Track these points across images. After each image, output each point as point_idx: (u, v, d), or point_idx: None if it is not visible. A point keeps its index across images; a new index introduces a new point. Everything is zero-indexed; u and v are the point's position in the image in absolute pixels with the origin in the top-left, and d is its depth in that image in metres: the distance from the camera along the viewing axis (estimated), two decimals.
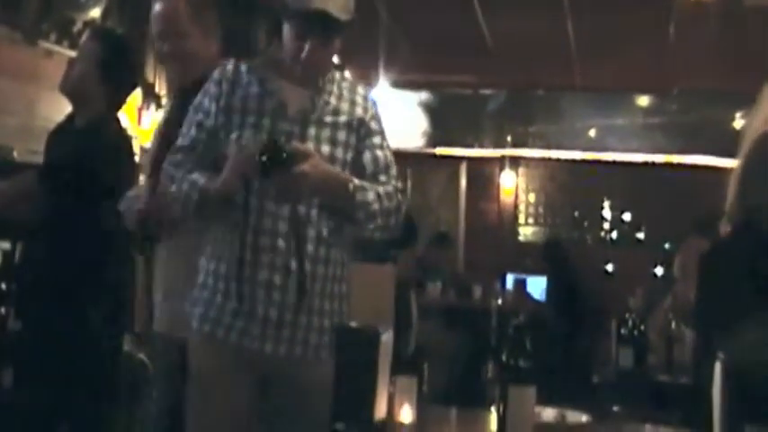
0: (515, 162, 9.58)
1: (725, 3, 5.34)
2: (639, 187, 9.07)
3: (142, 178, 5.22)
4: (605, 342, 4.45)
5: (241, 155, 2.23)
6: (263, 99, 2.34)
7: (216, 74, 2.38)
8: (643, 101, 8.97)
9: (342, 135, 2.38)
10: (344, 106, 2.41)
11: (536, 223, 9.76)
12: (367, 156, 2.39)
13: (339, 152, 2.36)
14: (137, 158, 4.81)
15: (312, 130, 2.34)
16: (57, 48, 4.53)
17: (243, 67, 2.40)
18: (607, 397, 4.27)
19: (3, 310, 3.31)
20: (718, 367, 1.87)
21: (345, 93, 2.44)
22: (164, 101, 5.67)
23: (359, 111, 2.42)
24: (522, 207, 9.76)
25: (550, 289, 8.02)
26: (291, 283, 2.28)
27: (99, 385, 3.02)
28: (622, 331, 4.26)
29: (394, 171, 2.41)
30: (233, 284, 2.30)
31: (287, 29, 2.33)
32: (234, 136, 2.31)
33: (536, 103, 9.20)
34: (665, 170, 8.89)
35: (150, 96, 5.48)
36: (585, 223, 9.59)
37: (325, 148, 2.34)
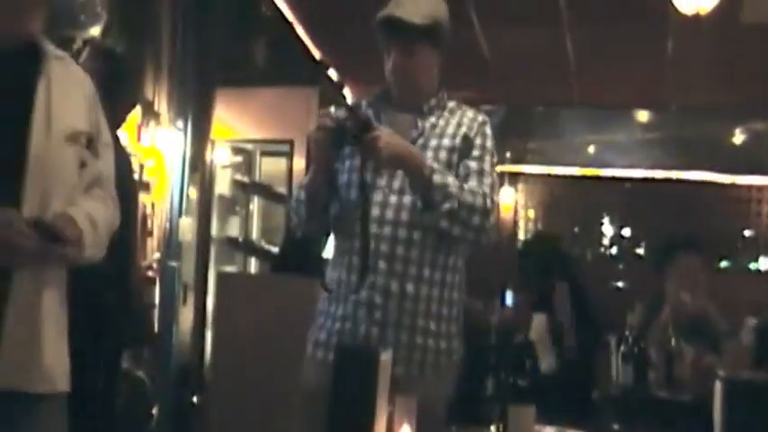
0: (514, 178, 9.58)
1: (722, 19, 5.35)
2: (639, 203, 9.08)
3: (141, 196, 5.24)
4: (605, 358, 4.43)
5: (316, 135, 2.31)
6: None
7: (332, 113, 2.46)
8: (642, 116, 8.99)
9: (443, 155, 2.42)
10: (450, 129, 2.46)
11: None
12: (462, 165, 2.42)
13: None
14: (136, 176, 4.83)
15: None
16: None
17: (363, 103, 2.55)
18: (607, 415, 4.25)
19: None
20: (718, 386, 1.86)
21: (454, 116, 2.49)
22: (163, 118, 5.68)
23: (464, 129, 2.46)
24: (521, 223, 9.77)
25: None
26: (392, 304, 2.30)
27: (97, 403, 3.00)
28: (622, 348, 4.25)
29: (488, 180, 2.41)
30: (340, 307, 2.37)
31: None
32: (347, 163, 2.41)
33: (535, 118, 9.22)
34: (664, 186, 8.89)
35: (150, 114, 5.48)
36: (585, 239, 9.60)
37: None
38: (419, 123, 2.46)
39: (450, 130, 2.46)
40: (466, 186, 2.34)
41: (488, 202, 2.36)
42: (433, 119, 2.47)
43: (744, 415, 1.83)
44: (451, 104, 2.53)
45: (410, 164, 2.29)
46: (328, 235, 2.52)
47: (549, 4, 5.98)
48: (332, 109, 2.48)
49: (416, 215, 2.35)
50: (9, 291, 1.80)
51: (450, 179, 2.32)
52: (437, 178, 2.29)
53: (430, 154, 2.41)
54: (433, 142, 2.43)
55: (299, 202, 2.44)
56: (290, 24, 6.85)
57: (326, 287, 2.43)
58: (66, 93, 1.93)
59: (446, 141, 2.43)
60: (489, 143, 2.47)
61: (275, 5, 6.64)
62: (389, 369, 2.08)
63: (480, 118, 2.50)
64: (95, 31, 4.80)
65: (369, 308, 2.35)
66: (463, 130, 2.45)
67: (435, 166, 2.34)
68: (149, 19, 5.72)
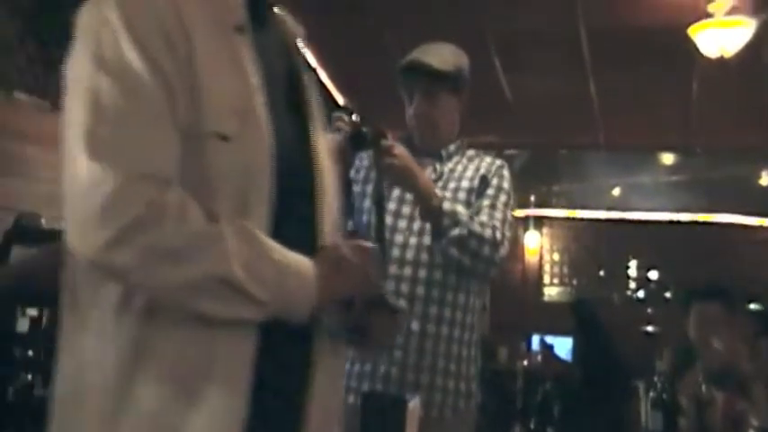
0: (539, 222, 9.57)
1: (747, 61, 5.35)
2: (665, 246, 9.02)
3: None
4: (634, 405, 4.37)
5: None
6: None
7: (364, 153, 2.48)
8: (667, 159, 8.96)
9: (462, 195, 2.45)
10: (469, 173, 2.50)
11: (561, 283, 9.71)
12: (476, 202, 2.44)
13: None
14: None
15: None
16: None
17: None
18: None
19: (30, 376, 3.30)
20: None
21: (473, 163, 2.52)
22: None
23: (482, 172, 2.49)
24: (546, 267, 9.73)
25: (579, 349, 7.91)
26: (413, 343, 2.32)
27: None
28: (651, 394, 4.19)
29: (499, 215, 2.41)
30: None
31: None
32: (366, 203, 2.44)
33: (560, 162, 9.22)
34: (690, 228, 8.84)
35: None
36: (611, 282, 9.53)
37: None
38: (438, 167, 2.47)
39: (470, 173, 2.48)
40: (476, 218, 2.35)
41: (498, 234, 2.36)
42: (451, 164, 2.50)
43: None
44: (471, 152, 2.56)
45: (421, 183, 2.31)
46: None
47: (573, 49, 6.00)
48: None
49: (437, 256, 2.35)
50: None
51: (460, 208, 2.34)
52: (447, 205, 2.31)
53: (449, 195, 2.42)
54: (452, 185, 2.45)
55: None
56: (314, 70, 6.90)
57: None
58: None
59: (465, 183, 2.46)
60: (506, 184, 2.48)
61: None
62: (417, 416, 2.06)
63: (498, 162, 2.53)
64: None
65: (389, 349, 2.34)
66: (481, 172, 2.48)
67: (446, 195, 2.36)
68: None
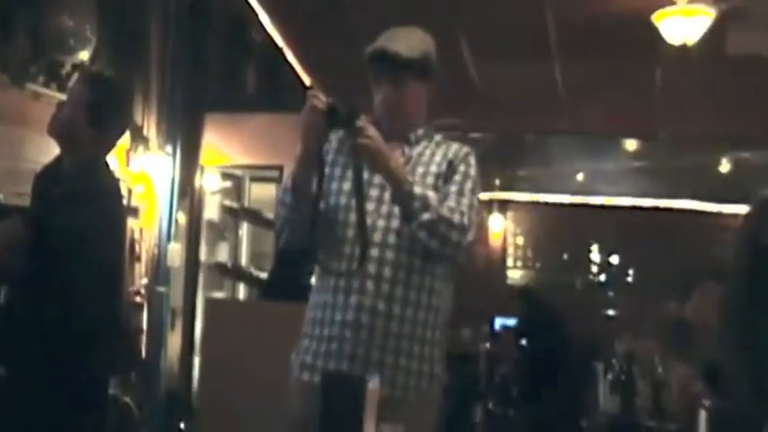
0: (504, 206, 9.62)
1: (709, 50, 5.41)
2: (627, 231, 9.12)
3: (130, 221, 5.24)
4: (593, 387, 4.44)
5: (306, 116, 2.30)
6: None
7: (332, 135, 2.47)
8: (630, 145, 9.04)
9: (430, 180, 2.45)
10: (437, 158, 2.50)
11: (524, 266, 9.79)
12: (443, 188, 2.44)
13: None
14: (124, 201, 4.82)
15: None
16: (45, 90, 4.53)
17: None
18: None
19: None
20: (702, 414, 1.87)
21: (441, 148, 2.53)
22: (152, 143, 5.68)
23: (449, 157, 2.49)
24: (510, 250, 9.79)
25: (530, 335, 7.96)
26: (378, 324, 2.34)
27: (83, 429, 2.98)
28: (609, 376, 4.25)
29: (466, 200, 2.42)
30: (326, 329, 2.40)
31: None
32: (334, 185, 2.45)
33: (524, 146, 9.27)
34: (652, 214, 8.94)
35: (139, 139, 5.50)
36: (574, 266, 9.62)
37: None
38: (406, 151, 2.49)
39: (437, 158, 2.49)
40: (444, 203, 2.37)
41: (465, 220, 2.38)
42: (419, 148, 2.51)
43: None
44: (438, 137, 2.57)
45: (393, 166, 2.32)
46: (314, 244, 2.49)
47: (539, 34, 6.03)
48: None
49: (404, 239, 2.37)
50: None
51: (430, 193, 2.36)
52: (417, 189, 2.33)
53: (417, 180, 2.44)
54: (420, 169, 2.46)
55: (285, 192, 2.44)
56: (280, 50, 6.89)
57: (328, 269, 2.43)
58: None
59: (433, 168, 2.47)
60: (472, 171, 2.50)
61: (266, 31, 6.67)
62: (377, 396, 2.08)
63: (465, 149, 2.54)
64: (84, 55, 4.81)
65: (355, 328, 2.36)
66: (449, 158, 2.49)
67: (416, 179, 2.38)
68: (139, 44, 5.74)
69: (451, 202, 2.40)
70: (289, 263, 4.75)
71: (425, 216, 2.31)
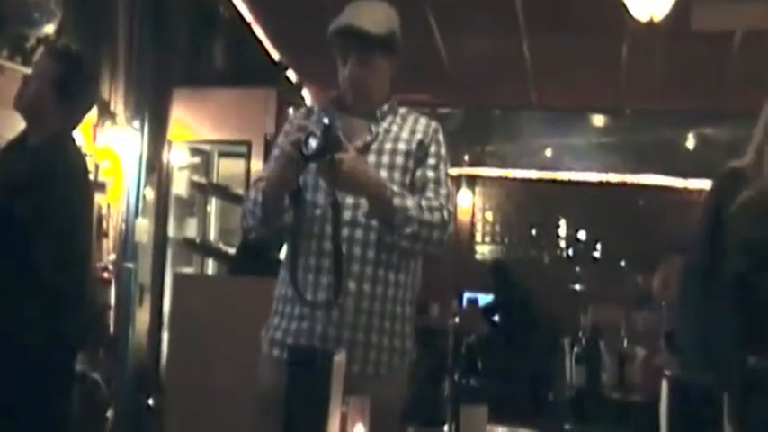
0: (472, 181, 9.66)
1: (675, 26, 5.44)
2: (594, 206, 9.19)
3: (97, 197, 5.20)
4: (560, 360, 4.49)
5: (286, 143, 2.29)
6: None
7: (291, 115, 2.46)
8: (598, 120, 9.10)
9: (400, 159, 2.45)
10: (405, 134, 2.49)
11: (493, 242, 9.84)
12: (418, 173, 2.46)
13: (397, 176, 2.43)
14: (91, 177, 4.79)
15: (372, 158, 2.42)
16: (9, 64, 4.47)
17: (315, 108, 2.58)
18: (560, 415, 4.31)
19: None
20: (664, 384, 1.91)
21: (408, 123, 2.52)
22: (119, 118, 5.64)
23: (419, 136, 2.50)
24: (478, 226, 9.83)
25: (500, 308, 8.04)
26: (349, 303, 2.35)
27: (49, 407, 2.97)
28: (576, 349, 4.31)
29: (443, 190, 2.45)
30: (297, 307, 2.40)
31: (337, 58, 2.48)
32: (308, 196, 2.41)
33: (492, 122, 9.29)
34: (619, 189, 9.01)
35: (106, 114, 5.44)
36: (542, 241, 9.69)
37: (383, 174, 2.41)
38: (373, 128, 2.48)
39: (405, 135, 2.49)
40: (424, 203, 2.37)
41: (446, 214, 2.41)
42: (385, 124, 2.51)
43: (688, 412, 1.87)
44: (402, 110, 2.57)
45: (371, 191, 2.31)
46: (282, 241, 2.52)
47: (507, 10, 6.04)
48: (301, 110, 2.48)
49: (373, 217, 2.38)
50: None
51: (410, 202, 2.35)
52: (397, 201, 2.32)
53: (386, 158, 2.44)
54: (388, 146, 2.46)
55: (255, 204, 2.43)
56: (248, 25, 6.84)
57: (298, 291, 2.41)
58: None
59: (402, 146, 2.47)
60: (443, 151, 2.52)
61: (234, 6, 6.63)
62: (343, 369, 2.10)
63: (433, 125, 2.55)
64: (50, 29, 4.75)
65: (326, 307, 2.37)
66: (418, 136, 2.49)
67: (395, 189, 2.36)
68: (106, 17, 5.67)
69: (430, 193, 2.41)
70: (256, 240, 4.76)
71: (408, 230, 2.33)
